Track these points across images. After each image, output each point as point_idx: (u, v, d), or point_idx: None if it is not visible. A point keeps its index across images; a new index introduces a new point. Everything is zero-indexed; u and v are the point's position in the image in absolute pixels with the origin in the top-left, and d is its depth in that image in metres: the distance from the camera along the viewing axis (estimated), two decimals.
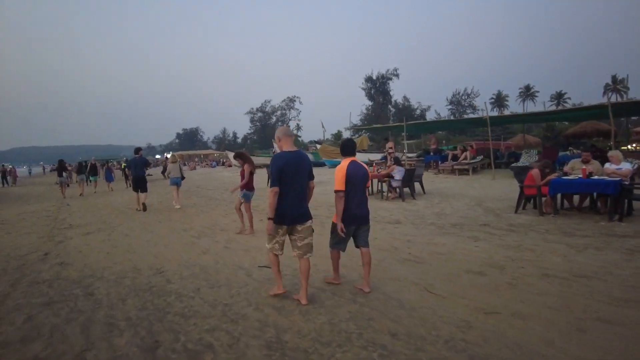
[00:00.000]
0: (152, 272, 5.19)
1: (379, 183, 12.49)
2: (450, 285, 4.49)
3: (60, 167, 17.37)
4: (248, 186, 7.29)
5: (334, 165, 23.47)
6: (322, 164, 24.22)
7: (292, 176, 3.73)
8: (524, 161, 15.81)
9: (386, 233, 7.09)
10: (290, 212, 3.76)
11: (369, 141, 26.16)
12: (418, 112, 74.47)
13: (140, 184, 10.85)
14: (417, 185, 11.64)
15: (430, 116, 71.56)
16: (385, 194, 11.12)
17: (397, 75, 75.11)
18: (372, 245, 6.29)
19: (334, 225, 4.17)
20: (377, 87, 75.19)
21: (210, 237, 7.25)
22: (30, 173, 57.54)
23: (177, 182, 11.43)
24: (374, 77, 75.17)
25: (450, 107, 79.69)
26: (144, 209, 10.73)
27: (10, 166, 33.02)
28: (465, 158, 16.71)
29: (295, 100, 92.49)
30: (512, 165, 15.65)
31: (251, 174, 7.31)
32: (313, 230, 4.00)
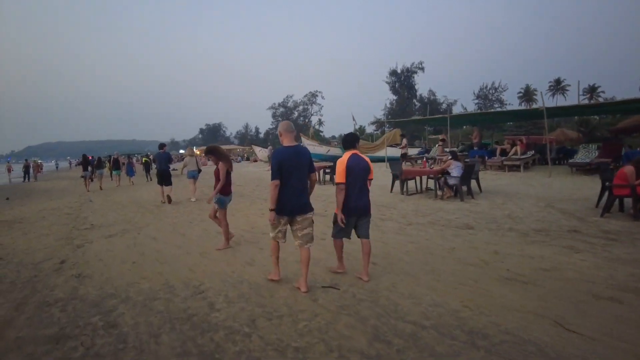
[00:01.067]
0: (189, 292, 4.10)
1: (429, 180, 11.25)
2: (586, 318, 3.35)
3: (85, 162, 17.40)
4: (224, 189, 5.91)
5: None
6: None
7: (291, 170, 3.87)
8: (582, 157, 14.24)
9: (463, 241, 5.87)
10: (290, 203, 3.90)
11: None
12: (444, 106, 72.09)
13: (164, 178, 11.14)
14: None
15: (456, 111, 69.11)
16: (439, 192, 9.84)
17: (422, 69, 72.81)
18: (453, 257, 5.17)
19: (335, 216, 4.27)
20: (402, 81, 73.03)
21: (252, 242, 6.14)
22: (57, 167, 58.43)
23: (194, 175, 11.63)
24: (399, 71, 73.08)
25: (477, 101, 76.90)
26: (169, 201, 10.88)
27: (34, 161, 32.66)
28: (516, 153, 15.24)
29: (317, 95, 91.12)
30: (571, 161, 14.13)
31: (228, 173, 5.98)
32: (313, 222, 4.12)
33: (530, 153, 15.74)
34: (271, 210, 3.89)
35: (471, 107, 73.79)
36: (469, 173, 9.61)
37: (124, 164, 20.92)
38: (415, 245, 5.69)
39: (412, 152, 22.17)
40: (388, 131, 24.91)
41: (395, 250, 5.44)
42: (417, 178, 11.03)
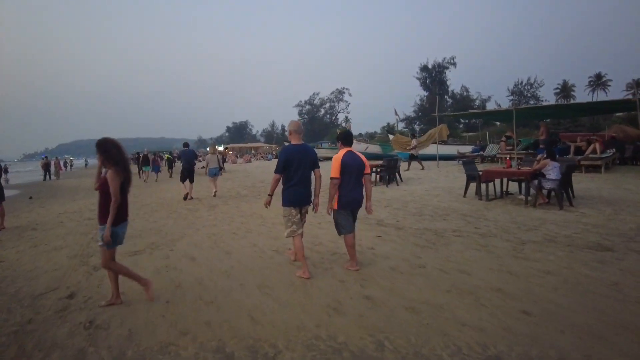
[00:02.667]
0: None
1: (509, 183, 9.42)
2: None
3: None
4: (115, 216, 3.48)
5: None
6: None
7: (297, 166, 4.25)
8: None
9: (620, 272, 4.08)
10: (300, 196, 4.31)
11: (448, 130, 22.73)
12: (477, 102, 69.09)
13: (190, 175, 11.37)
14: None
15: (490, 108, 66.00)
16: (529, 198, 8.01)
17: (454, 64, 70.02)
18: (625, 298, 3.45)
19: (334, 214, 4.39)
20: (433, 77, 70.42)
21: (325, 269, 4.49)
22: (86, 165, 58.79)
23: (215, 173, 11.83)
24: (430, 67, 70.47)
25: (511, 97, 73.45)
26: (186, 197, 11.05)
27: (55, 158, 31.94)
28: (594, 151, 13.17)
29: (344, 92, 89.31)
30: None
31: (123, 191, 3.57)
32: (307, 212, 4.50)
33: (611, 152, 13.65)
34: (269, 195, 4.43)
35: (505, 104, 70.53)
36: (569, 175, 7.76)
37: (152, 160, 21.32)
38: (557, 278, 3.97)
39: (465, 149, 20.20)
40: (443, 125, 22.34)
41: (538, 288, 3.74)
42: (497, 180, 9.21)
